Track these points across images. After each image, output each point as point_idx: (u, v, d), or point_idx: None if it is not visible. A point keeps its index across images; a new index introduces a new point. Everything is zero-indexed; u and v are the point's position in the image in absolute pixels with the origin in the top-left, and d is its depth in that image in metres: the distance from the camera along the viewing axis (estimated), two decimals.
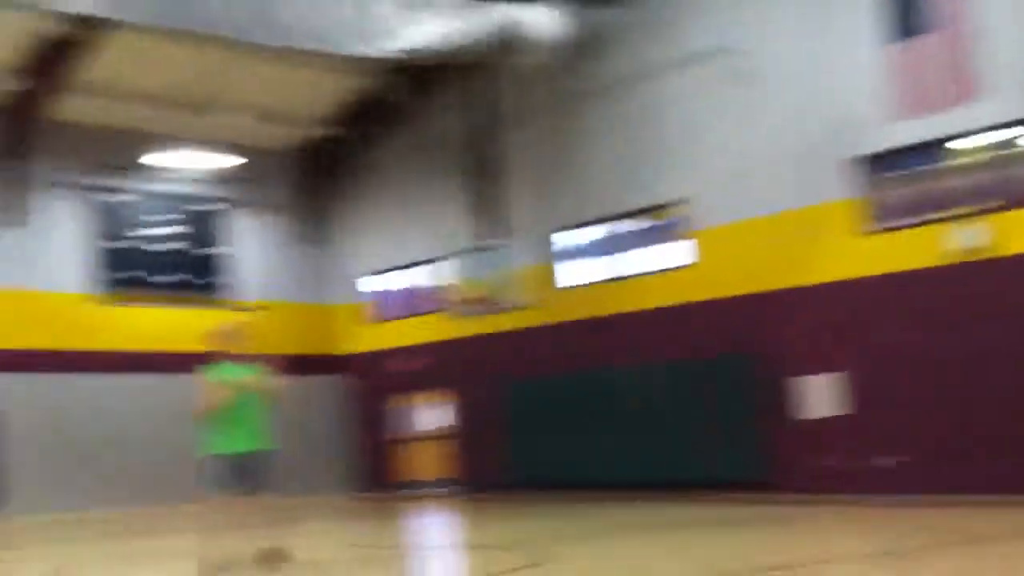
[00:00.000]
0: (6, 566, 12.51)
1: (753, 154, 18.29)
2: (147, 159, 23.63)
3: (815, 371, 17.30)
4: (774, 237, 17.93)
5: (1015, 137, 15.81)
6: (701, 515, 14.71)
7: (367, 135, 25.18)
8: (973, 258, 15.73)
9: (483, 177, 21.02)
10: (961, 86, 15.89)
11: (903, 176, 16.86)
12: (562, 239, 21.41)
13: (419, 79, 22.69)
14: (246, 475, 9.60)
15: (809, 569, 8.91)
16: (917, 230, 16.41)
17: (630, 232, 20.66)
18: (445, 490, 23.34)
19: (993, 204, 15.77)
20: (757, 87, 18.21)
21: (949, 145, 16.34)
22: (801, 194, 17.63)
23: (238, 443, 9.54)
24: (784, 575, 8.37)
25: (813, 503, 15.87)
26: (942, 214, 16.24)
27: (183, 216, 24.25)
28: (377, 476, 25.10)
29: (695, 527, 13.18)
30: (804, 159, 17.64)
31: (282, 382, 9.68)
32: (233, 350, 9.69)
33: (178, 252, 24.09)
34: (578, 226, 21.22)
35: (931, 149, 16.44)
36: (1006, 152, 15.90)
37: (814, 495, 16.47)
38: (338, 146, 25.32)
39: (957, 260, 15.88)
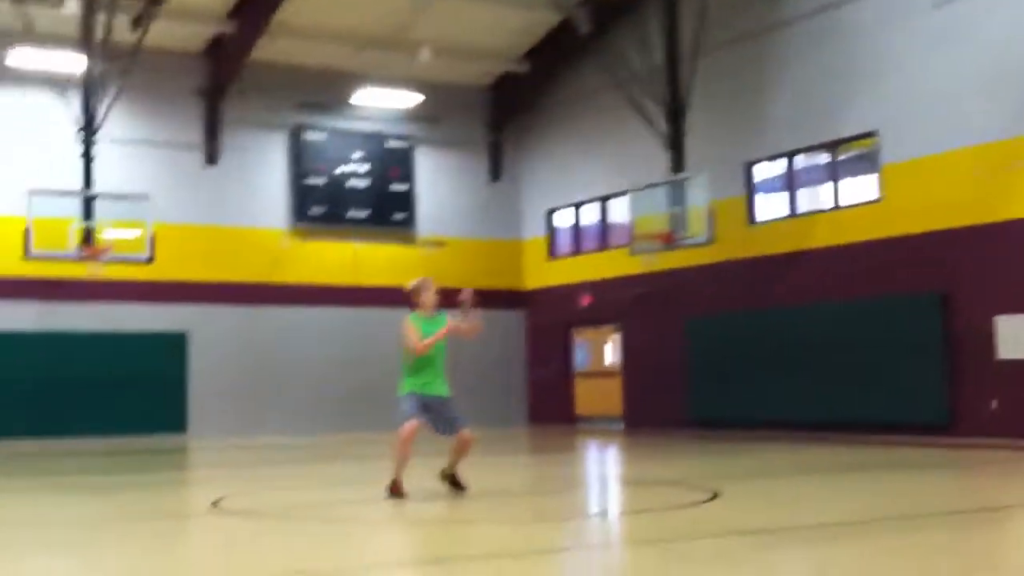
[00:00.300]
0: (179, 489, 13.19)
1: (954, 81, 17.33)
2: (340, 98, 24.29)
3: (1008, 311, 16.43)
4: (973, 170, 17.00)
5: None
6: (878, 458, 14.26)
7: (553, 70, 25.16)
8: None
9: (669, 110, 20.70)
10: None
11: None
12: (748, 173, 20.96)
13: (605, 13, 22.46)
14: (440, 419, 9.97)
15: (979, 516, 8.54)
16: None
17: (817, 166, 20.08)
18: (620, 426, 23.39)
19: None
20: (962, 7, 17.23)
21: None
22: (1008, 124, 16.55)
23: (434, 388, 9.92)
24: (957, 520, 8.05)
25: (999, 448, 15.19)
26: None
27: (374, 153, 24.85)
28: (554, 411, 25.34)
29: (868, 469, 12.80)
30: (1014, 85, 16.54)
31: (479, 320, 9.97)
32: (428, 302, 9.94)
33: (368, 189, 24.73)
34: (764, 160, 20.73)
35: None
36: None
37: (1002, 440, 15.77)
38: (524, 82, 25.39)
39: None
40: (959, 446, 15.68)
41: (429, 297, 10.10)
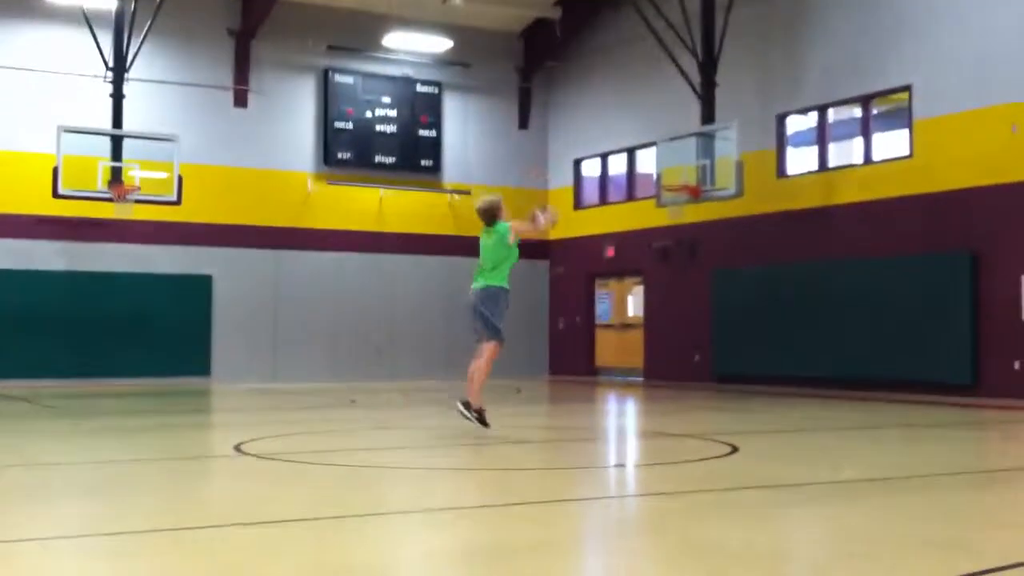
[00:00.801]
0: (187, 432, 13.31)
1: (990, 39, 17.08)
2: (371, 41, 24.18)
3: None
4: (1007, 127, 16.78)
5: None
6: (901, 416, 14.25)
7: (585, 18, 24.95)
8: None
9: (701, 61, 20.50)
10: None
11: None
12: (779, 126, 20.79)
13: None
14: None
15: (997, 476, 8.53)
16: None
17: (850, 120, 19.88)
18: (641, 379, 23.43)
19: None
20: None
21: None
22: None
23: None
24: (967, 480, 8.04)
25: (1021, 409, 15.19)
26: None
27: (403, 98, 24.76)
28: (575, 362, 25.40)
29: (890, 428, 12.79)
30: None
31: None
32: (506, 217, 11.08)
33: (396, 134, 24.67)
34: (795, 113, 20.55)
35: None
36: None
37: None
38: (555, 28, 25.18)
39: None
40: (983, 406, 15.61)
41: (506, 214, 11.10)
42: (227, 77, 23.25)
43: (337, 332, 23.95)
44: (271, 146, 23.67)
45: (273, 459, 8.92)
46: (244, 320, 23.05)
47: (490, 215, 11.02)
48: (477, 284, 10.85)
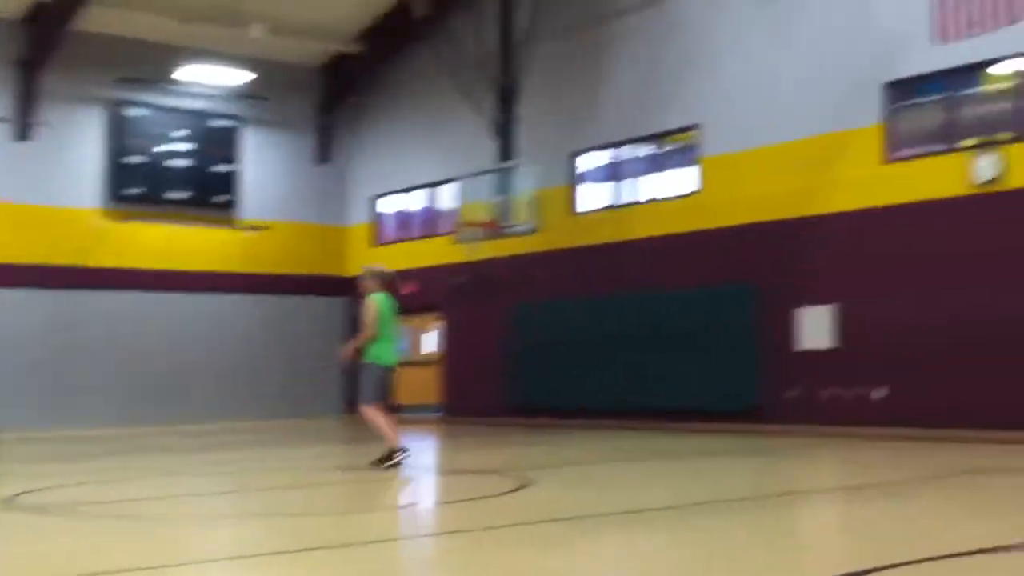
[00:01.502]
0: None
1: (777, 77, 17.87)
2: (163, 73, 23.47)
3: (817, 302, 17.06)
4: (790, 164, 17.58)
5: None
6: (690, 445, 14.65)
7: (385, 53, 24.85)
8: (991, 189, 15.34)
9: (499, 98, 20.73)
10: (1005, 8, 15.29)
11: (933, 102, 16.33)
12: (576, 163, 21.17)
13: None
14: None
15: (776, 500, 8.81)
16: (940, 158, 15.97)
17: (643, 157, 20.42)
18: (439, 414, 23.33)
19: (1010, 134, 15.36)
20: (784, 7, 17.80)
21: (987, 70, 15.79)
22: (824, 120, 17.16)
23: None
24: (753, 505, 8.27)
25: (805, 435, 15.85)
26: (969, 142, 15.78)
27: (197, 132, 24.12)
28: None
29: (682, 457, 13.10)
30: (831, 83, 17.13)
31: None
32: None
33: (190, 169, 24.00)
34: (591, 150, 20.97)
35: (967, 74, 15.89)
36: None
37: (808, 426, 16.44)
38: (356, 63, 25.03)
39: (976, 191, 15.47)
40: (767, 433, 16.20)
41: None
42: (10, 108, 22.13)
43: (126, 374, 22.97)
44: (57, 181, 22.64)
45: (45, 512, 8.43)
46: (25, 364, 21.84)
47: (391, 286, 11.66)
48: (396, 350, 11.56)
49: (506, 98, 20.68)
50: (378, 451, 11.53)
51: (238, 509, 8.93)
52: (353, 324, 25.94)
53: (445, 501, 9.65)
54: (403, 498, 10.07)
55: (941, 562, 5.68)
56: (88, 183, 22.98)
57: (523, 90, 20.66)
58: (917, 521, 7.49)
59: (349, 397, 25.71)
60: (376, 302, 11.44)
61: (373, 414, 11.37)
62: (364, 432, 19.51)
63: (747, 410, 17.59)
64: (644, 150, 20.33)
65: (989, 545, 6.11)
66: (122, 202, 23.22)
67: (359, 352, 11.59)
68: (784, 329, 17.37)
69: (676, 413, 18.34)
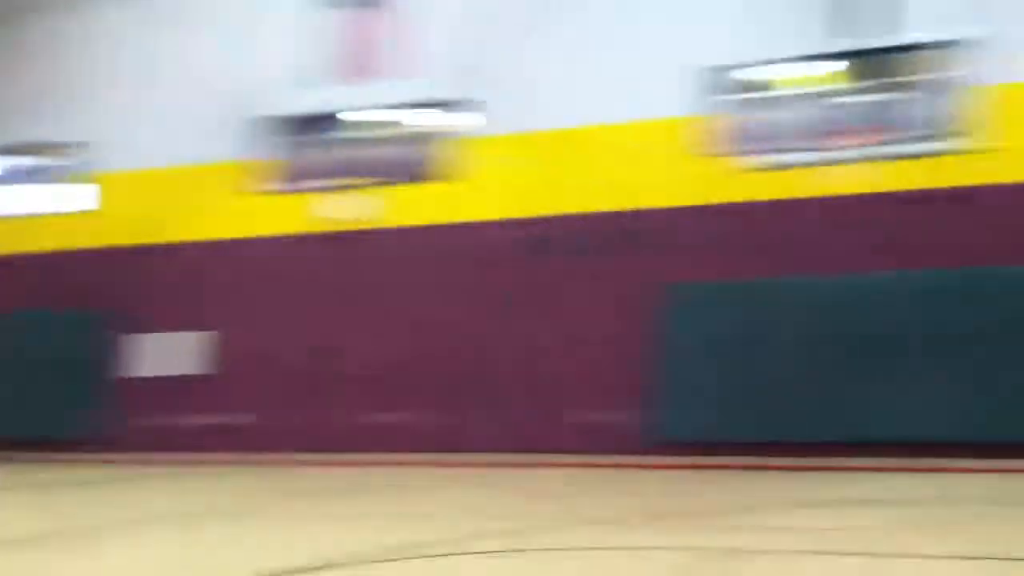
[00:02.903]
0: None
1: (163, 103, 17.66)
2: None
3: (177, 328, 17.02)
4: (156, 191, 17.55)
5: (422, 116, 16.19)
6: (34, 476, 13.80)
7: None
8: (356, 227, 16.04)
9: None
10: (384, 60, 16.05)
11: (306, 142, 16.81)
12: None
13: None
14: None
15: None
16: (295, 196, 16.49)
17: (30, 168, 19.38)
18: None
19: (384, 178, 16.15)
20: (165, 34, 17.70)
21: (357, 116, 16.55)
22: (192, 150, 17.18)
23: None
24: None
25: (157, 463, 15.48)
26: (334, 182, 16.45)
27: None
28: None
29: (22, 489, 12.26)
30: (202, 115, 17.18)
31: None
32: None
33: None
34: None
35: (336, 119, 16.59)
36: (409, 131, 16.29)
37: (162, 454, 16.15)
38: None
39: (342, 228, 16.10)
40: (117, 462, 15.83)
41: None
42: None
43: None
44: None
45: None
46: None
47: None
48: None
49: None
50: None
51: None
52: None
53: None
54: None
55: None
56: None
57: None
58: None
59: None
60: None
61: None
62: None
63: (99, 437, 16.96)
64: (32, 161, 19.44)
65: None
66: None
67: None
68: (140, 356, 17.13)
69: (19, 443, 17.18)
